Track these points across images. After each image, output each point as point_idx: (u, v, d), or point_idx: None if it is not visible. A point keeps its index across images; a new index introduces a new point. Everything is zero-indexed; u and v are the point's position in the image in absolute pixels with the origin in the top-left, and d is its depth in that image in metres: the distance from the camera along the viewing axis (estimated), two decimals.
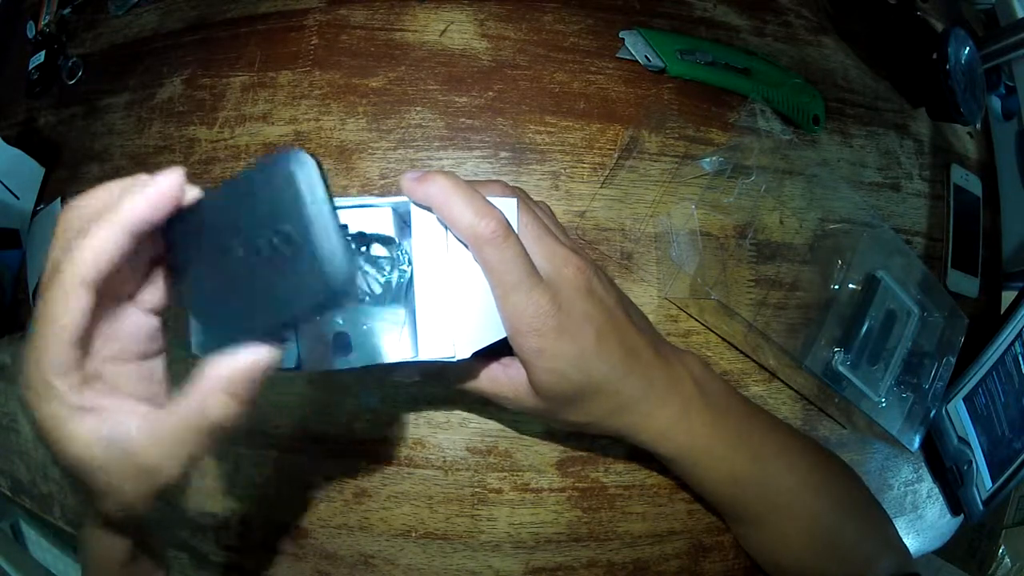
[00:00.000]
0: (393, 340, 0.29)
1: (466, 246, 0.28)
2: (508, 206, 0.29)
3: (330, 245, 0.20)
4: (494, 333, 0.29)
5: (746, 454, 0.34)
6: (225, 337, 0.22)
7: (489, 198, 0.28)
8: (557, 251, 0.30)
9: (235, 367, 0.22)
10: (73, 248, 0.22)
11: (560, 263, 0.30)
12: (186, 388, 0.22)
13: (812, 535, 0.36)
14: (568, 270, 0.30)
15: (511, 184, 0.33)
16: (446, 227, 0.28)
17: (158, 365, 0.26)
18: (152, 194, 0.22)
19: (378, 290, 0.29)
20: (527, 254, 0.29)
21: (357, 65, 0.42)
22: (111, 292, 0.24)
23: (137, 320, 0.25)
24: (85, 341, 0.23)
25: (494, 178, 0.36)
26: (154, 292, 0.25)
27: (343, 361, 0.29)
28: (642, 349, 0.32)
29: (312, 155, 0.21)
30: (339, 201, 0.27)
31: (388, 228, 0.29)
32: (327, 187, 0.21)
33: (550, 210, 0.35)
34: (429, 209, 0.28)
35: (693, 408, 0.33)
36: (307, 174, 0.21)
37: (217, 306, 0.22)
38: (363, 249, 0.29)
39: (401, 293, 0.29)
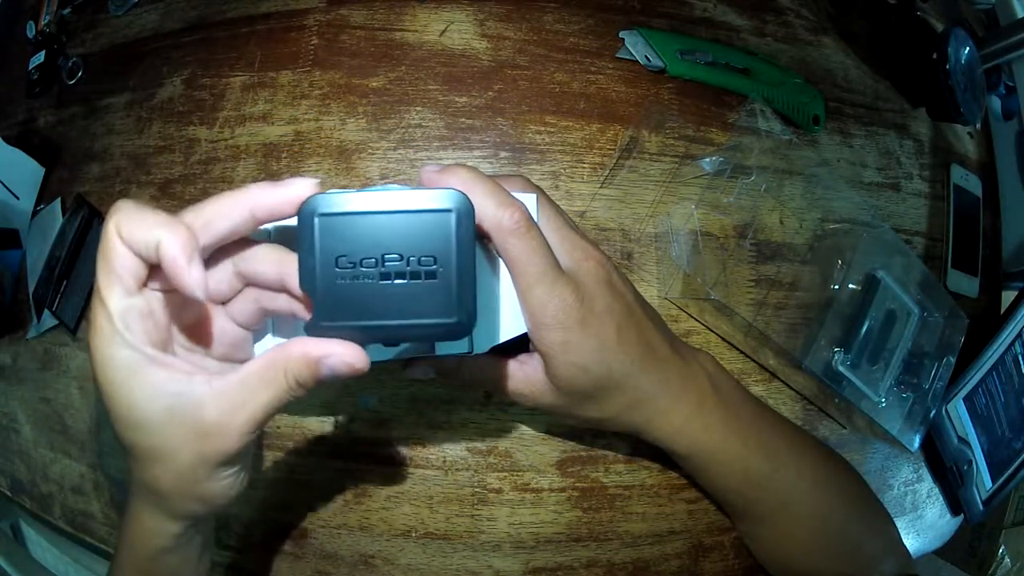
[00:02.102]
0: None
1: (485, 240, 0.28)
2: (528, 201, 0.29)
3: (465, 286, 0.23)
4: (513, 328, 0.29)
5: (758, 451, 0.35)
6: (340, 328, 0.23)
7: (510, 192, 0.28)
8: (578, 244, 0.30)
9: (330, 352, 0.23)
10: (191, 209, 0.23)
11: (581, 256, 0.30)
12: (262, 355, 0.24)
13: (819, 533, 0.36)
14: (589, 263, 0.30)
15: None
16: None
17: (243, 334, 0.27)
18: (282, 192, 0.23)
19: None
20: (549, 246, 0.29)
21: (357, 65, 0.42)
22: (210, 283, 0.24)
23: (223, 324, 0.26)
24: (151, 310, 0.23)
25: (511, 174, 0.36)
26: (245, 305, 0.26)
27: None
28: (659, 345, 0.32)
29: (469, 201, 0.23)
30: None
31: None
32: (475, 236, 0.24)
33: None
34: None
35: (708, 405, 0.33)
36: (466, 218, 0.23)
37: (342, 301, 0.23)
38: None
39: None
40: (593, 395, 0.31)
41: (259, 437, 0.26)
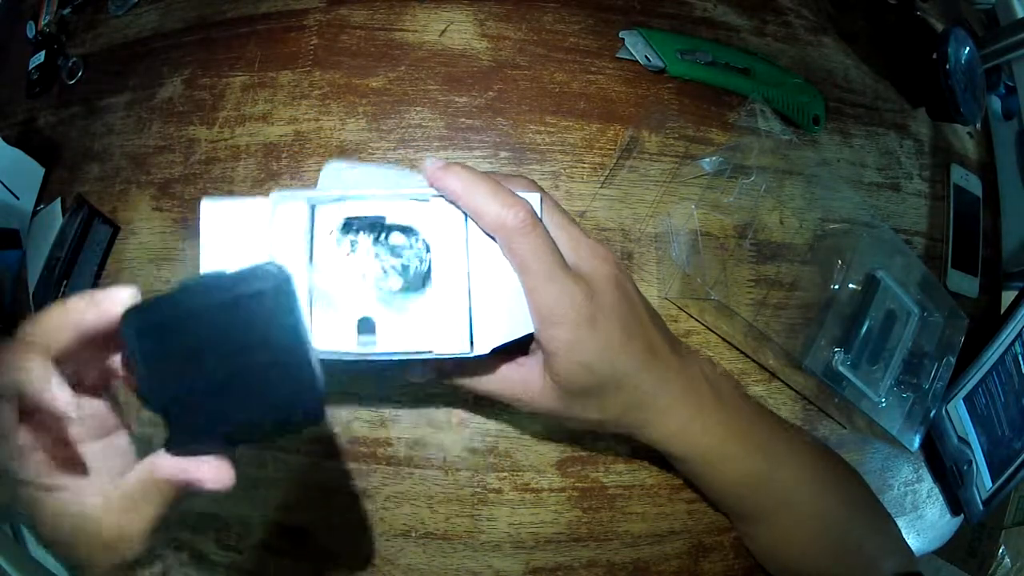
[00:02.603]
0: (411, 333, 0.29)
1: (491, 239, 0.28)
2: (532, 200, 0.29)
3: (303, 370, 0.22)
4: (516, 329, 0.29)
5: (757, 453, 0.34)
6: (191, 439, 0.23)
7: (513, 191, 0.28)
8: (583, 241, 0.30)
9: (190, 478, 0.23)
10: (35, 323, 0.23)
11: (588, 253, 0.29)
12: (136, 469, 0.24)
13: (819, 533, 0.36)
14: (597, 260, 0.30)
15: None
16: (466, 219, 0.28)
17: (121, 439, 0.27)
18: (98, 308, 0.23)
19: (397, 283, 0.29)
20: (555, 244, 0.28)
21: (357, 65, 0.42)
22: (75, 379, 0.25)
23: (92, 402, 0.26)
24: (47, 422, 0.24)
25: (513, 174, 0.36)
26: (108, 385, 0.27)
27: (364, 342, 0.28)
28: (660, 345, 0.32)
29: (285, 272, 0.22)
30: (360, 192, 0.28)
31: (408, 217, 0.29)
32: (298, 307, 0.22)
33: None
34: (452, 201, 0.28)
35: (707, 407, 0.33)
36: (285, 294, 0.22)
37: (192, 411, 0.23)
38: (382, 237, 0.29)
39: (419, 285, 0.29)
40: (593, 395, 0.30)
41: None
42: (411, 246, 0.29)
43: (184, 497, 0.25)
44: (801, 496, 0.36)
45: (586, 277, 0.29)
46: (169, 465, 0.24)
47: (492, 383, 0.31)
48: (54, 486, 0.24)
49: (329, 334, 0.28)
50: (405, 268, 0.29)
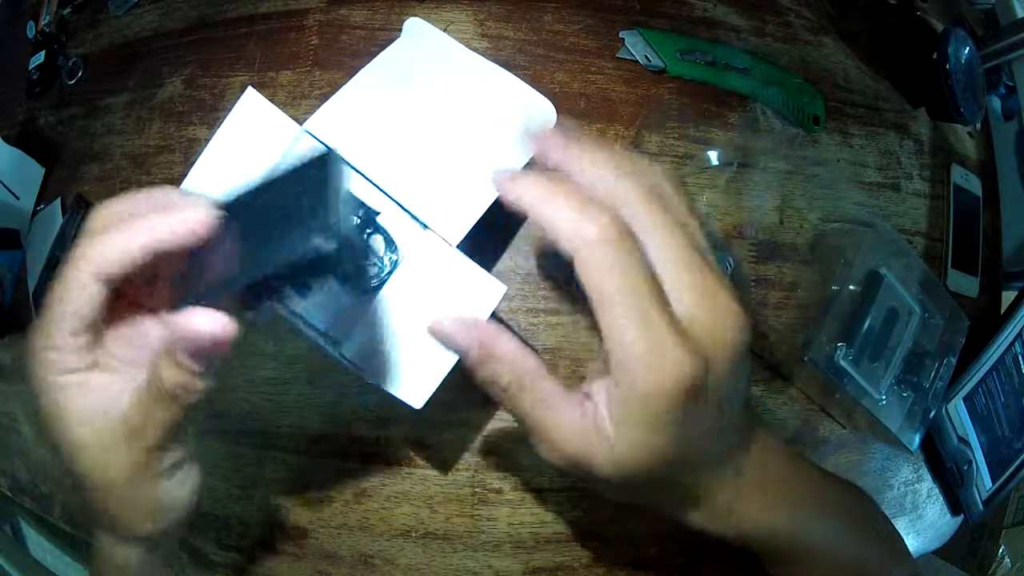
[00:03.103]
0: (322, 318, 0.28)
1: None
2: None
3: (324, 203, 0.20)
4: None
5: (804, 511, 0.31)
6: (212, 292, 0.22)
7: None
8: (712, 287, 0.22)
9: (183, 329, 0.21)
10: (97, 242, 0.22)
11: (711, 304, 0.22)
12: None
13: (843, 563, 0.35)
14: (725, 318, 0.22)
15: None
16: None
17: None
18: (179, 228, 0.22)
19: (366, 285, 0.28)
20: (657, 275, 0.21)
21: (357, 65, 0.42)
22: (127, 297, 0.24)
23: (148, 329, 0.25)
24: (91, 331, 0.23)
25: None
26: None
27: (294, 300, 0.27)
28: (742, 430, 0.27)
29: (321, 149, 0.22)
30: (379, 181, 0.28)
31: (398, 229, 0.29)
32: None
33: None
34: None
35: (770, 482, 0.30)
36: (321, 164, 0.21)
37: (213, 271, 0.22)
38: (366, 229, 0.28)
39: (362, 289, 0.28)
40: (655, 484, 0.24)
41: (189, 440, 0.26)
42: (381, 258, 0.28)
43: (192, 375, 0.22)
44: (839, 541, 0.33)
45: (700, 338, 0.21)
46: (173, 321, 0.21)
47: (534, 414, 0.24)
48: (86, 381, 0.23)
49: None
50: (361, 270, 0.28)
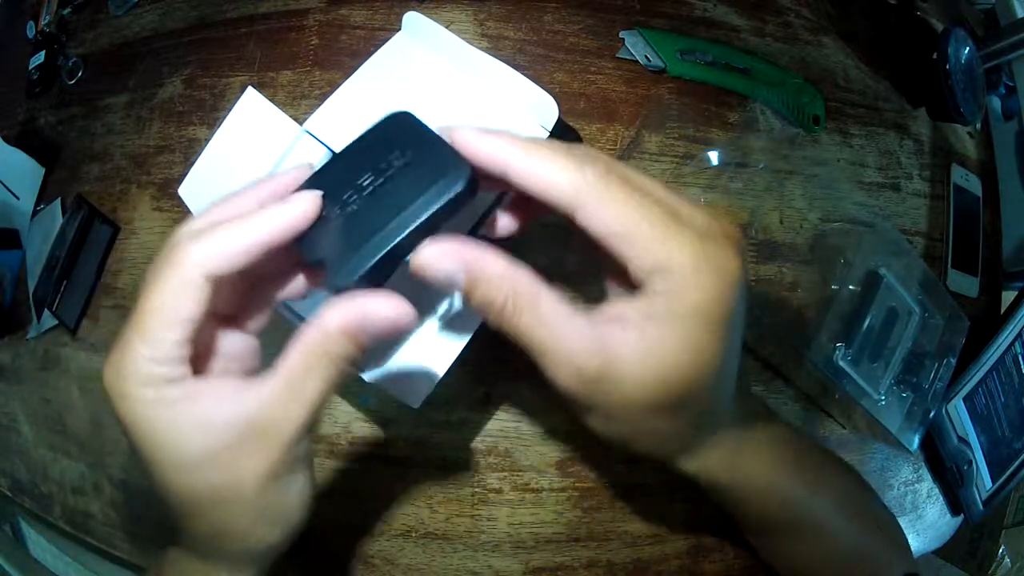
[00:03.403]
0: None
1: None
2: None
3: (445, 149, 0.21)
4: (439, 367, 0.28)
5: (798, 479, 0.32)
6: (366, 269, 0.21)
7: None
8: (703, 208, 0.23)
9: (366, 312, 0.20)
10: (204, 243, 0.21)
11: (719, 222, 0.22)
12: (291, 348, 0.21)
13: (849, 554, 0.35)
14: (734, 235, 0.22)
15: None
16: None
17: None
18: (291, 219, 0.21)
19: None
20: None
21: (357, 65, 0.42)
22: (228, 301, 0.23)
23: (239, 340, 0.24)
24: (196, 337, 0.21)
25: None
26: (254, 307, 0.24)
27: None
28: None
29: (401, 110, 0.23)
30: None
31: None
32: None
33: None
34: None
35: (758, 429, 0.30)
36: (406, 116, 0.23)
37: (349, 240, 0.21)
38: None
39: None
40: (692, 392, 0.23)
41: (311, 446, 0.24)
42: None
43: (357, 357, 0.21)
44: (837, 521, 0.34)
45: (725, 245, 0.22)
46: (338, 311, 0.20)
47: (545, 334, 0.22)
48: (189, 394, 0.21)
49: None
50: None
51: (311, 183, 0.23)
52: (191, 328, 0.21)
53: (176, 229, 0.22)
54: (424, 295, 0.28)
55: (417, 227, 0.21)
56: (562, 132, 0.40)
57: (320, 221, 0.22)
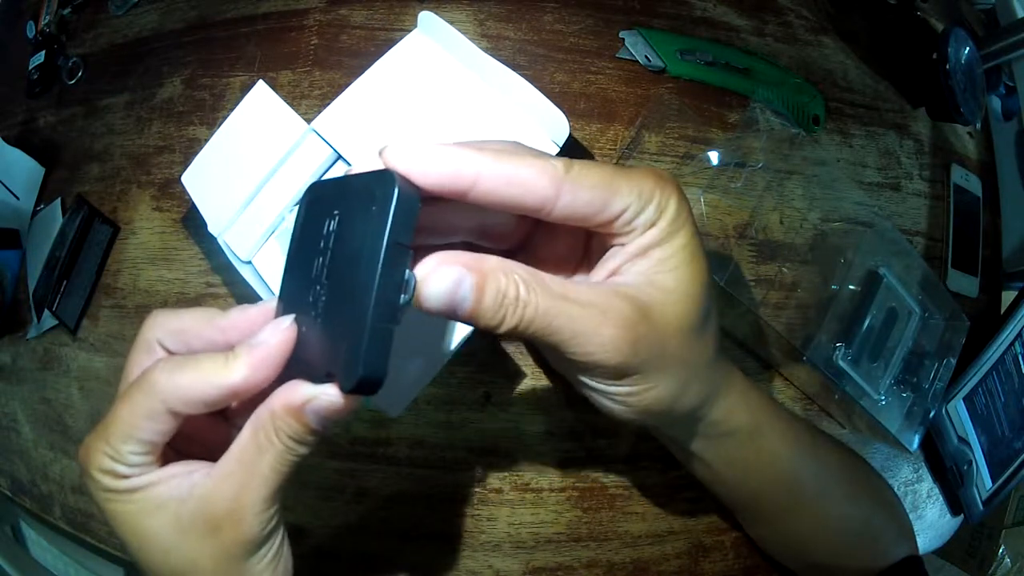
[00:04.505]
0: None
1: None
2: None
3: (362, 178, 0.19)
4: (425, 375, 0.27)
5: (790, 434, 0.33)
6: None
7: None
8: (628, 168, 0.23)
9: (312, 393, 0.20)
10: (176, 374, 0.21)
11: (667, 177, 0.23)
12: (251, 418, 0.21)
13: (846, 527, 0.35)
14: (670, 185, 0.23)
15: None
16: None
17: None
18: (259, 371, 0.20)
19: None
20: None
21: (357, 65, 0.42)
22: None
23: (224, 430, 0.24)
24: (154, 452, 0.22)
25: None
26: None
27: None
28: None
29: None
30: None
31: None
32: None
33: None
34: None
35: (750, 381, 0.31)
36: (313, 186, 0.21)
37: (340, 341, 0.19)
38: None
39: None
40: (694, 338, 0.24)
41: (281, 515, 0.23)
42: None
43: (307, 437, 0.20)
44: (832, 490, 0.35)
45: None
46: (283, 390, 0.20)
47: (557, 309, 0.20)
48: (159, 477, 0.21)
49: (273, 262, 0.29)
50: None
51: (281, 308, 0.22)
52: (152, 447, 0.21)
53: (153, 315, 0.23)
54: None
55: (383, 264, 0.18)
56: (570, 148, 0.39)
57: (301, 337, 0.21)
